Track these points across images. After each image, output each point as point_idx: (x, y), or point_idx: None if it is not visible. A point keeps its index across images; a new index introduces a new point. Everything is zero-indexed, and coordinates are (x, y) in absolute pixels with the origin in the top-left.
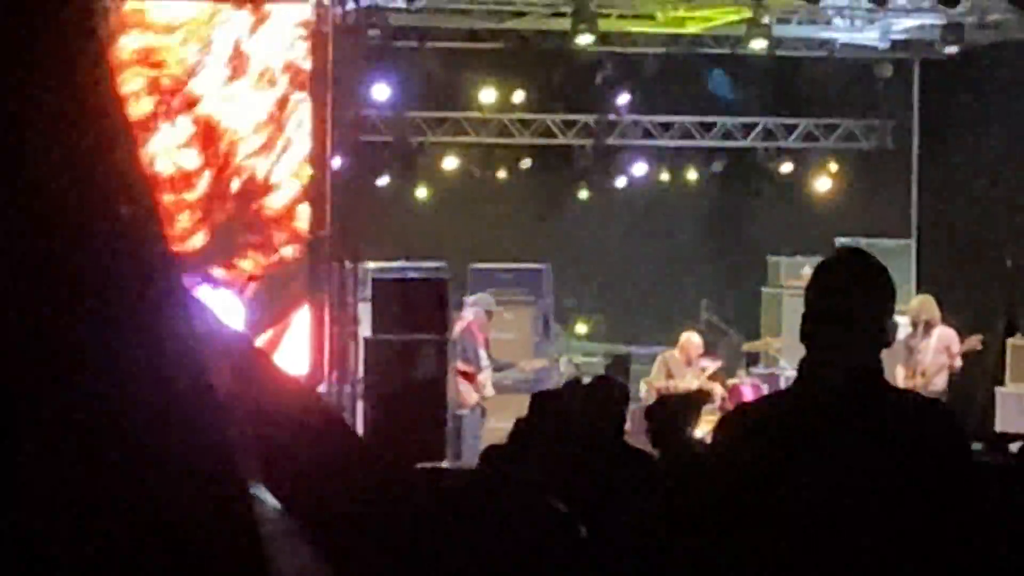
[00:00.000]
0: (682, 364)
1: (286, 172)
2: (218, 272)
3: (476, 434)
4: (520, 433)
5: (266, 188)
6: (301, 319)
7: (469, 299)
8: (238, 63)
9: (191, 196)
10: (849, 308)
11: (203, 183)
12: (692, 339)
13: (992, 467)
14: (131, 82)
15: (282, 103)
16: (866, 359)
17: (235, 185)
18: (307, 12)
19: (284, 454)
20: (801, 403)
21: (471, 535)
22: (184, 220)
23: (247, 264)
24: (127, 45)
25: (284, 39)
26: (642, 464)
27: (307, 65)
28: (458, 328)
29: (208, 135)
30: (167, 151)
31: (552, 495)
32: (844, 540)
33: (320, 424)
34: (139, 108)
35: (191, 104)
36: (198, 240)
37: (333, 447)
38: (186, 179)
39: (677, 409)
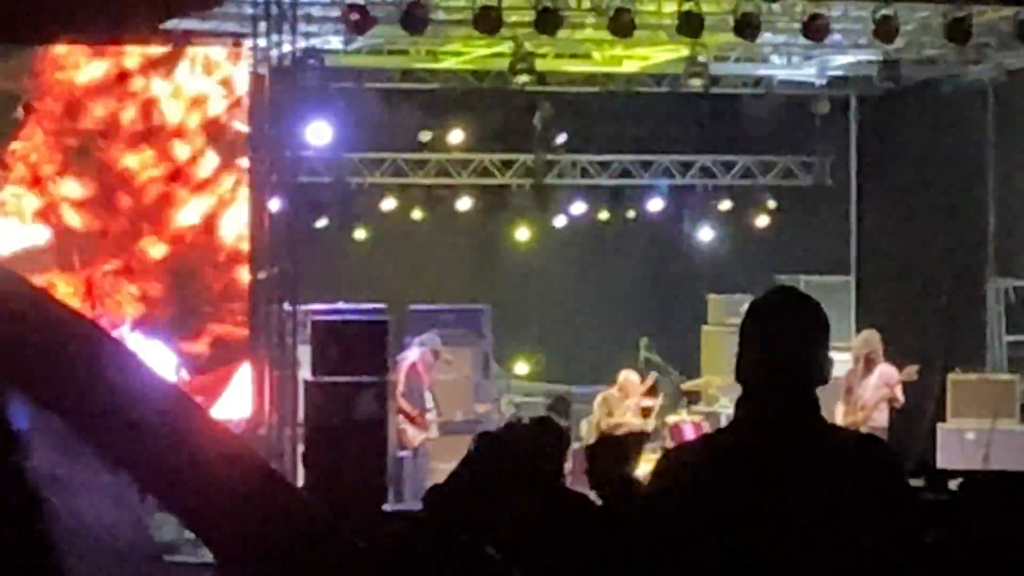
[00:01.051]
0: (621, 402)
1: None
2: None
3: (421, 476)
4: (460, 475)
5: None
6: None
7: (416, 339)
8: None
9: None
10: (783, 346)
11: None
12: (631, 377)
13: (932, 503)
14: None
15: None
16: (801, 396)
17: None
18: (229, 69)
19: (214, 505)
20: (738, 443)
21: None
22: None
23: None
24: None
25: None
26: (579, 507)
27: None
28: (403, 368)
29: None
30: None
31: (488, 540)
32: None
33: (242, 464)
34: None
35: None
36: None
37: (264, 497)
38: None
39: (617, 449)
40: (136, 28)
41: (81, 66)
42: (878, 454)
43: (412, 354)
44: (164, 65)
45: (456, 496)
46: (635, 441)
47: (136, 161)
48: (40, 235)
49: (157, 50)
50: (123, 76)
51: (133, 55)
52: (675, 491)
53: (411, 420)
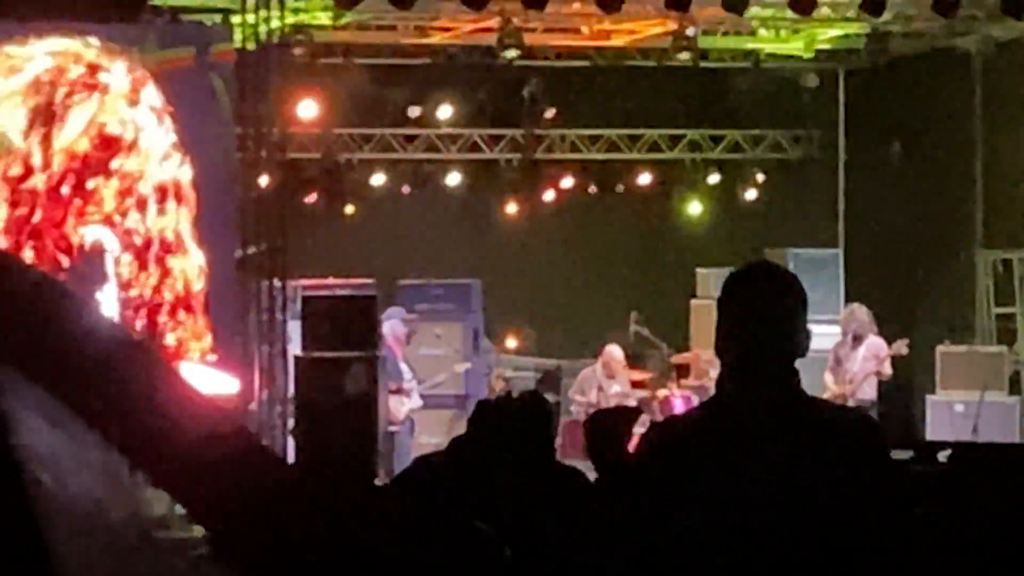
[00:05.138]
0: (605, 377)
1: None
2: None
3: (408, 450)
4: (458, 446)
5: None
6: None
7: (383, 315)
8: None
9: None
10: (760, 320)
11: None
12: (614, 352)
13: (921, 475)
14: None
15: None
16: (780, 370)
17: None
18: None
19: (202, 480)
20: (719, 417)
21: (393, 555)
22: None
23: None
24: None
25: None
26: (570, 481)
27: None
28: None
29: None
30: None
31: (477, 515)
32: (766, 552)
33: (232, 439)
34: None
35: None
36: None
37: (248, 465)
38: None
39: (613, 422)
40: (122, 6)
41: None
42: (861, 426)
43: (383, 330)
44: None
45: (444, 469)
46: (631, 415)
47: None
48: None
49: None
50: None
51: None
52: (659, 465)
53: (392, 392)
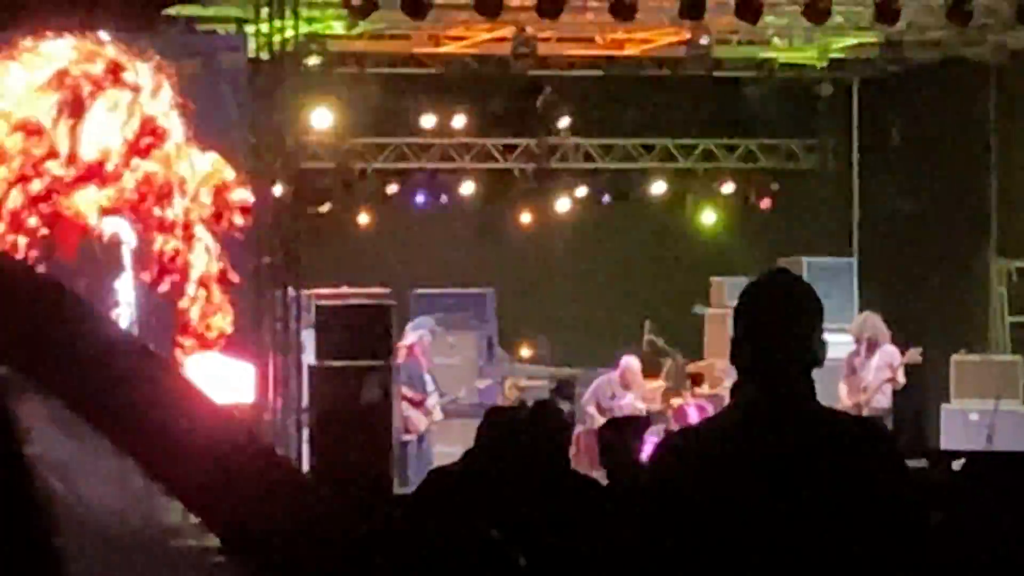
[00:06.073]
0: (620, 387)
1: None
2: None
3: (425, 460)
4: (464, 459)
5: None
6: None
7: (410, 324)
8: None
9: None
10: (776, 329)
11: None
12: (631, 363)
13: (935, 484)
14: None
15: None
16: (796, 380)
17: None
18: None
19: (205, 475)
20: (734, 427)
21: (409, 565)
22: None
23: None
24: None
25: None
26: (584, 490)
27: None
28: (401, 354)
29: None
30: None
31: (491, 523)
32: (780, 564)
33: (246, 448)
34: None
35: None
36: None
37: (262, 474)
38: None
39: (627, 431)
40: (137, 15)
41: None
42: (874, 437)
43: (408, 339)
44: None
45: (459, 479)
46: (638, 424)
47: None
48: None
49: None
50: None
51: None
52: (673, 475)
53: (414, 405)
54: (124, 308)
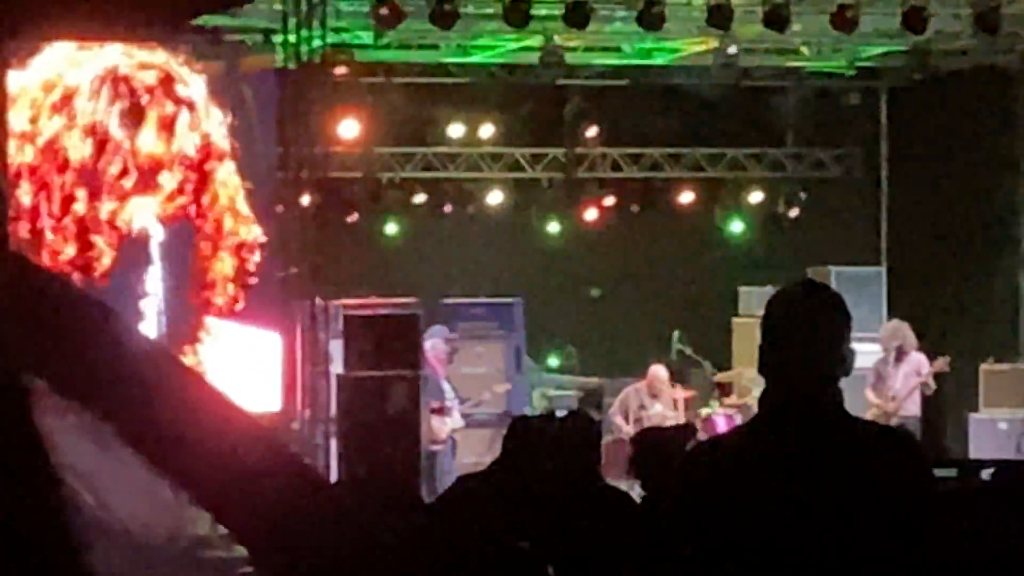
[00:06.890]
0: (648, 397)
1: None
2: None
3: (450, 469)
4: (501, 465)
5: None
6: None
7: (424, 334)
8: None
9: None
10: (804, 339)
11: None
12: (659, 372)
13: (964, 494)
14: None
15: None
16: (824, 389)
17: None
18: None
19: (233, 485)
20: (762, 438)
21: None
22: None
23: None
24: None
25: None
26: (614, 501)
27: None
28: None
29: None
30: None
31: (518, 533)
32: (807, 571)
33: (274, 458)
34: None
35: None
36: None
37: (290, 484)
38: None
39: (665, 441)
40: (164, 25)
41: None
42: (902, 446)
43: (424, 348)
44: None
45: (487, 488)
46: (682, 435)
47: None
48: None
49: None
50: None
51: None
52: (700, 487)
53: (434, 412)
54: (152, 299)
